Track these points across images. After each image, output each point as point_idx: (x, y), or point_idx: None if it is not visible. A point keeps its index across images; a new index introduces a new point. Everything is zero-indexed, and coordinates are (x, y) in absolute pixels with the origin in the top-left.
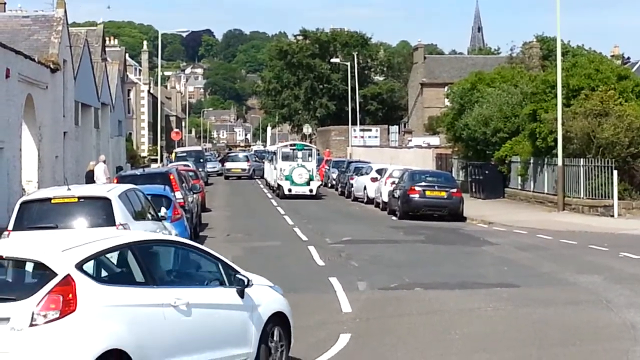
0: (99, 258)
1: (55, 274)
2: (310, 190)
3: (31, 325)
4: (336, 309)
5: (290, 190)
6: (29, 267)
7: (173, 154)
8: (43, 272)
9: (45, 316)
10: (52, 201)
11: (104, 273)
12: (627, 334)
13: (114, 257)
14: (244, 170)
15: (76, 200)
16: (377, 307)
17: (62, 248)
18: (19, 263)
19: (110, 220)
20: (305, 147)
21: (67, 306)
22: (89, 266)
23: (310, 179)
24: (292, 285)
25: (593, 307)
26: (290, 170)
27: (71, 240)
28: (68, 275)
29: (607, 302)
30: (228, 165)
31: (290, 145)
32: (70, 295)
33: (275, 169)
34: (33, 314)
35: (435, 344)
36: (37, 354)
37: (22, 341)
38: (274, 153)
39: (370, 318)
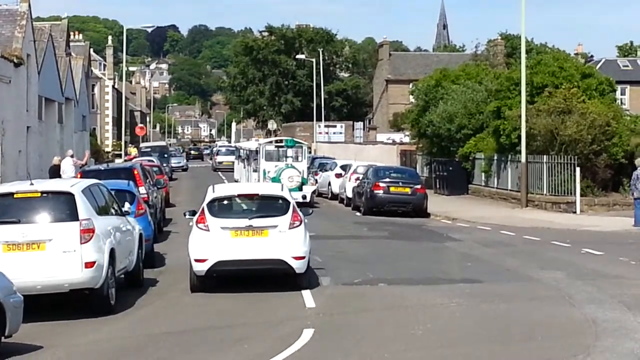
0: None
1: (289, 203)
2: (304, 197)
3: (290, 228)
4: (300, 304)
5: None
6: (276, 200)
7: (132, 149)
8: (284, 202)
9: (292, 224)
10: (15, 196)
11: None
12: (588, 329)
13: None
14: (233, 162)
15: (39, 195)
16: (340, 303)
17: (283, 191)
18: (268, 198)
19: (73, 215)
20: (296, 144)
21: (300, 220)
22: None
23: (303, 182)
24: (256, 280)
25: (555, 303)
26: (278, 172)
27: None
28: (294, 204)
29: (569, 297)
30: (219, 158)
31: (277, 141)
32: (300, 216)
33: (254, 170)
34: (290, 223)
35: (398, 339)
36: (291, 241)
37: (285, 236)
38: (250, 151)
39: (334, 313)
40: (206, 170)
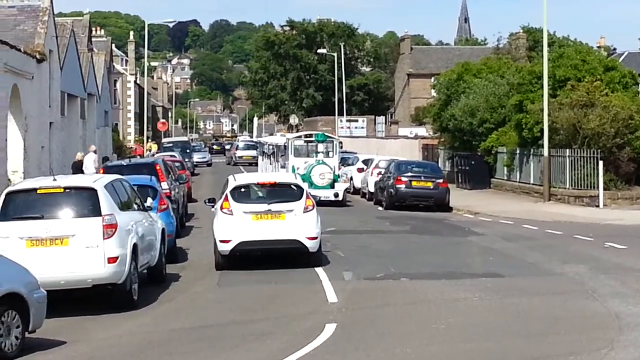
0: None
1: (303, 190)
2: (336, 195)
3: (304, 212)
4: (322, 299)
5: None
6: (290, 187)
7: (150, 145)
8: (298, 189)
9: (306, 209)
10: (38, 191)
11: None
12: (611, 324)
13: None
14: (254, 157)
15: (62, 190)
16: (362, 297)
17: (297, 179)
18: (285, 185)
19: (96, 211)
20: (327, 139)
21: (313, 205)
22: None
23: (335, 180)
24: (278, 275)
25: (578, 297)
26: (308, 169)
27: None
28: (307, 191)
29: (592, 292)
30: (239, 153)
31: (306, 136)
32: (312, 202)
33: (282, 166)
34: (304, 207)
35: (420, 333)
36: (305, 223)
37: (300, 219)
38: (277, 146)
39: (356, 308)
40: (236, 165)
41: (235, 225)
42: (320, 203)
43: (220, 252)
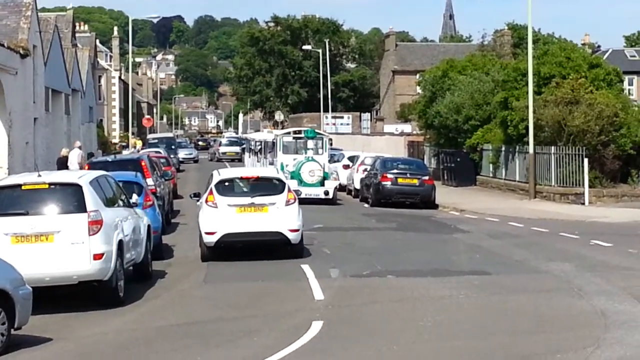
0: None
1: (285, 184)
2: (326, 193)
3: (286, 205)
4: (309, 296)
5: (298, 192)
6: (273, 181)
7: (135, 142)
8: (280, 183)
9: (288, 202)
10: (23, 187)
11: None
12: (597, 321)
13: None
14: (237, 153)
15: (47, 186)
16: (349, 295)
17: (279, 174)
18: (268, 179)
19: (81, 207)
20: (317, 135)
21: (294, 199)
22: None
23: (325, 177)
24: (264, 273)
25: (564, 295)
26: (297, 166)
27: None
28: (288, 185)
29: (578, 289)
30: (222, 149)
31: (295, 132)
32: (293, 195)
33: (270, 163)
34: (286, 200)
35: (407, 331)
36: (287, 216)
37: (282, 211)
38: (265, 143)
39: (343, 305)
40: (219, 162)
41: (220, 217)
42: (310, 201)
43: (206, 244)
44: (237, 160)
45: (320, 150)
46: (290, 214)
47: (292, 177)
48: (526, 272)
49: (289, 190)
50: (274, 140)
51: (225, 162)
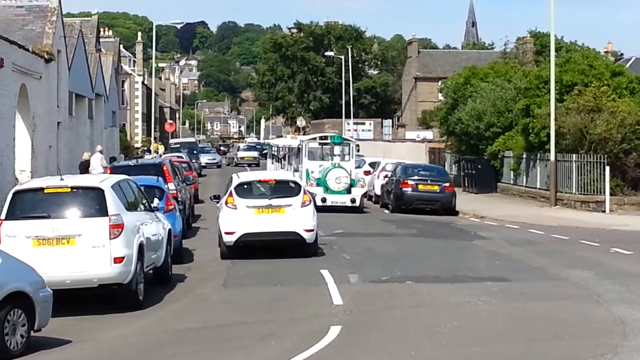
0: None
1: (300, 187)
2: (353, 201)
3: (301, 207)
4: (327, 301)
5: (324, 200)
6: (289, 184)
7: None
8: (296, 185)
9: (304, 203)
10: (45, 191)
11: None
12: (616, 329)
13: None
14: (255, 158)
15: (69, 190)
16: (368, 300)
17: (295, 177)
18: (283, 182)
19: (102, 210)
20: (344, 141)
21: (310, 201)
22: None
23: (352, 184)
24: (283, 278)
25: (583, 302)
26: (323, 172)
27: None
28: (304, 188)
29: (598, 297)
30: (240, 154)
31: (321, 138)
32: (309, 197)
33: (295, 170)
34: (301, 202)
35: (425, 337)
36: (303, 217)
37: (298, 212)
38: (289, 149)
39: (361, 311)
40: (237, 166)
41: (239, 218)
42: (337, 209)
43: (225, 243)
44: (255, 165)
45: (347, 157)
46: (305, 215)
47: (317, 184)
48: (545, 279)
49: (305, 193)
50: (299, 146)
51: (246, 167)
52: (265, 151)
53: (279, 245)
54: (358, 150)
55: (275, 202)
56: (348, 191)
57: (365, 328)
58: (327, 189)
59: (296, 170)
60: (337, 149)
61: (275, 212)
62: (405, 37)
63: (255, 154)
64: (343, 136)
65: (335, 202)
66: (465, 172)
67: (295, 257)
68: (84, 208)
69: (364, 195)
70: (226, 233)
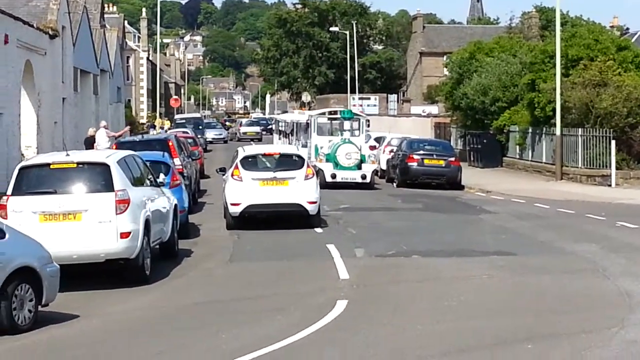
0: None
1: (304, 160)
2: (363, 177)
3: (305, 179)
4: (333, 275)
5: (334, 176)
6: (293, 157)
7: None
8: (300, 159)
9: (307, 176)
10: (51, 166)
11: None
12: (622, 302)
13: None
14: (257, 133)
15: (75, 165)
16: (374, 274)
17: (299, 150)
18: (287, 156)
19: (108, 186)
20: (354, 116)
21: (313, 174)
22: None
23: (362, 160)
24: (290, 252)
25: (589, 276)
26: (333, 148)
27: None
28: (307, 161)
29: (603, 270)
30: (243, 129)
31: (331, 112)
32: (312, 170)
33: (304, 145)
34: (305, 175)
35: (431, 310)
36: (306, 189)
37: (301, 185)
38: (298, 124)
39: (367, 285)
40: (240, 141)
41: (245, 190)
42: (347, 185)
43: (231, 214)
44: (257, 140)
45: (356, 132)
46: (308, 188)
47: (327, 160)
48: (551, 253)
49: (308, 166)
50: (308, 121)
51: (252, 142)
52: (270, 126)
53: (283, 216)
54: (368, 126)
55: (280, 174)
56: (358, 167)
57: (372, 302)
58: (337, 165)
59: (304, 145)
60: (347, 124)
61: (280, 185)
62: (410, 12)
63: (257, 129)
64: (353, 111)
65: (345, 178)
66: (470, 146)
67: (301, 232)
68: (90, 183)
69: (375, 171)
70: (232, 204)
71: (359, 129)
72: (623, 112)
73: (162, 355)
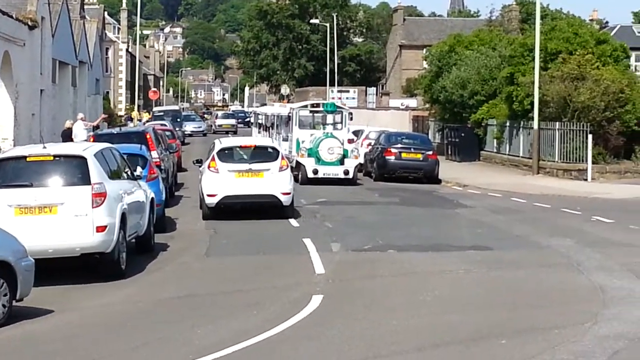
0: None
1: (279, 152)
2: (346, 172)
3: (279, 171)
4: (309, 270)
5: (316, 171)
6: (268, 150)
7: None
8: (275, 151)
9: (281, 168)
10: (28, 159)
11: None
12: (596, 297)
13: None
14: (232, 126)
15: (52, 158)
16: (350, 269)
17: (274, 143)
18: (262, 148)
19: (85, 179)
20: (337, 109)
21: (287, 165)
22: None
23: (344, 155)
24: (266, 246)
25: (564, 270)
26: (315, 142)
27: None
28: (282, 153)
29: (578, 265)
30: (219, 122)
31: (313, 105)
32: (286, 162)
33: (284, 139)
34: (279, 167)
35: (407, 305)
36: (280, 180)
37: (276, 176)
38: (279, 117)
39: (343, 279)
40: (218, 135)
41: (221, 181)
42: (329, 181)
43: (207, 205)
44: (233, 132)
45: (339, 126)
46: (283, 179)
47: (309, 155)
48: (527, 247)
49: (282, 158)
50: (290, 114)
51: (227, 134)
52: (248, 119)
53: (257, 207)
54: (351, 119)
55: (255, 166)
56: (341, 162)
57: (347, 297)
58: (319, 160)
59: (285, 139)
60: (329, 118)
61: (255, 176)
62: (390, 5)
63: (233, 121)
64: (336, 104)
65: (327, 173)
66: (448, 140)
67: (278, 226)
68: (66, 176)
69: (358, 166)
70: (208, 195)
71: (341, 122)
72: (600, 106)
73: (137, 350)
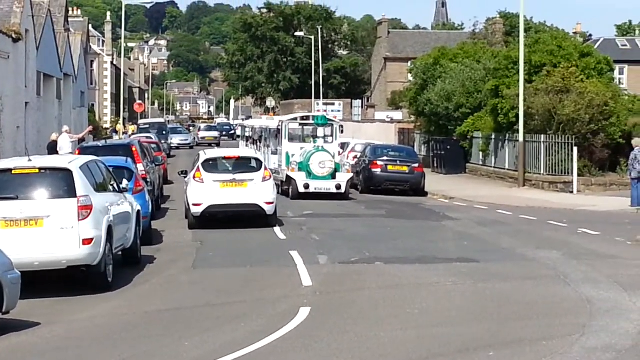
0: None
1: (262, 163)
2: (338, 187)
3: (262, 181)
4: (297, 282)
5: (307, 186)
6: (251, 161)
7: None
8: (258, 162)
9: (264, 178)
10: (13, 172)
11: None
12: (583, 309)
13: None
14: (215, 138)
15: (37, 171)
16: (337, 281)
17: (257, 154)
18: (246, 159)
19: (71, 192)
20: (328, 122)
21: (269, 176)
22: None
23: (336, 169)
24: (253, 259)
25: (551, 283)
26: (306, 156)
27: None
28: (265, 164)
29: (565, 277)
30: (202, 134)
31: (303, 118)
32: (269, 173)
33: (274, 153)
34: (262, 177)
35: (394, 318)
36: (264, 190)
37: (259, 186)
38: (268, 130)
39: (331, 292)
40: (201, 147)
41: (206, 191)
42: (320, 196)
43: (193, 214)
44: (216, 144)
45: (330, 139)
46: (266, 189)
47: (299, 169)
48: (513, 259)
49: (266, 168)
50: (279, 127)
51: (214, 146)
52: (232, 131)
53: (241, 216)
54: (342, 132)
55: (239, 176)
56: (333, 176)
57: (334, 309)
58: (310, 174)
59: (274, 153)
60: (320, 131)
61: (239, 186)
62: (375, 18)
63: (216, 134)
64: (327, 117)
65: (319, 188)
66: (434, 152)
67: (264, 238)
68: (52, 189)
69: (350, 180)
70: (194, 205)
71: (332, 136)
72: (585, 118)
73: None
